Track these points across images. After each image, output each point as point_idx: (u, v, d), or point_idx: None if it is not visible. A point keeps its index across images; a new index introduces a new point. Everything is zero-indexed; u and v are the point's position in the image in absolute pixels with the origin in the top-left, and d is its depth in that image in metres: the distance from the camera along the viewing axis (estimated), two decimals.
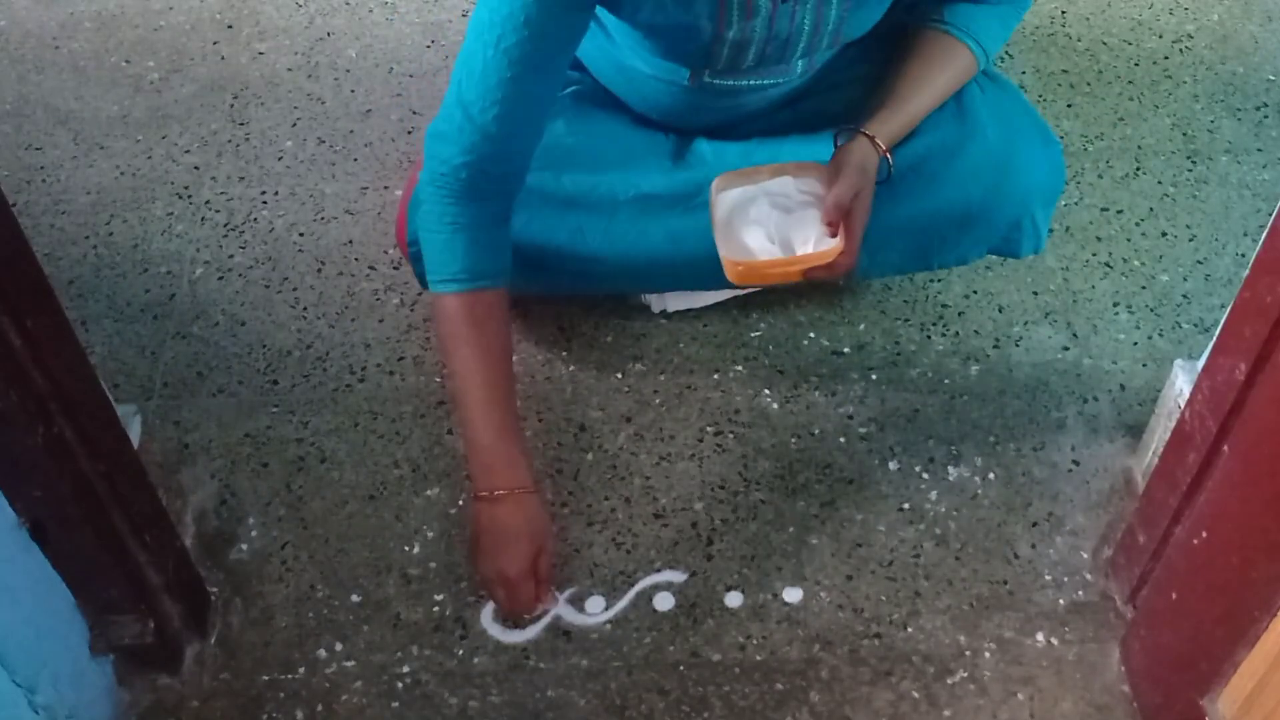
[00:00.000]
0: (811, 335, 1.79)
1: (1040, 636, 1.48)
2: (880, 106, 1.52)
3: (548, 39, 1.39)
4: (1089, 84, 2.19)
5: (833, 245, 1.45)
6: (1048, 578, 1.54)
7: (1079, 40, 2.28)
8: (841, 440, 1.67)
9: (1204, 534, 1.24)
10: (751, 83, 1.55)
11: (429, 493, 1.62)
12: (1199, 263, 1.89)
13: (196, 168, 2.06)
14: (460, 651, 1.48)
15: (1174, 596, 1.31)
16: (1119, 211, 1.97)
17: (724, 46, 1.46)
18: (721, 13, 1.41)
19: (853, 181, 1.46)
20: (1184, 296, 1.84)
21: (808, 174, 1.51)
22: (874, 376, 1.74)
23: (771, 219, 1.48)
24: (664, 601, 1.52)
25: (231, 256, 1.92)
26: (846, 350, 1.78)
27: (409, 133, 2.10)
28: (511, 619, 1.50)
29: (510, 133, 1.43)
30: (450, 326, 1.48)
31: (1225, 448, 1.23)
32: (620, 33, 1.53)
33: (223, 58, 2.27)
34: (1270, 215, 1.90)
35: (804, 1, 1.42)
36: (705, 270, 1.61)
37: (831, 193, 1.45)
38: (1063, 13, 2.33)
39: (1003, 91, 1.63)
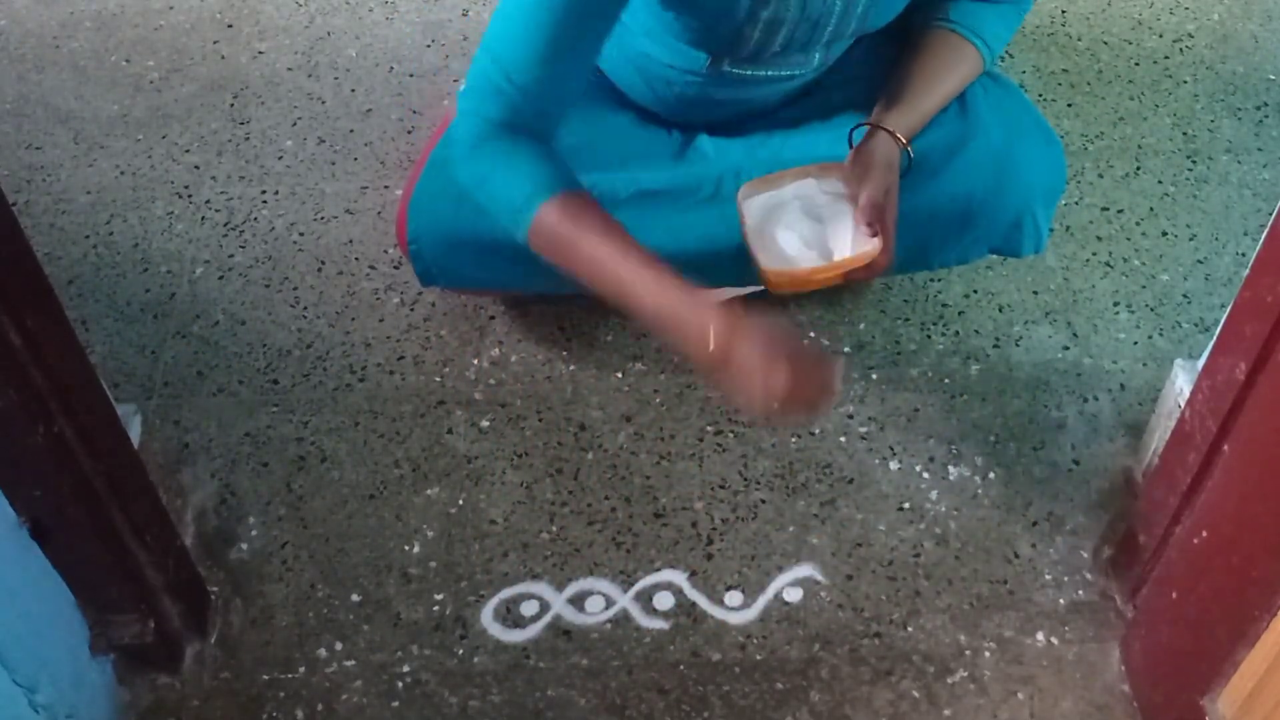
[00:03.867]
0: (811, 334, 1.79)
1: (1040, 636, 1.49)
2: (895, 103, 1.52)
3: (594, 14, 1.36)
4: (1089, 83, 2.19)
5: (873, 246, 1.44)
6: (1048, 577, 1.54)
7: (1079, 39, 2.28)
8: (841, 439, 1.67)
9: (1204, 533, 1.24)
10: (769, 73, 1.54)
11: (429, 492, 1.62)
12: (1199, 262, 1.89)
13: (197, 167, 2.06)
14: (460, 651, 1.48)
15: (1174, 596, 1.31)
16: (1119, 211, 1.97)
17: (756, 27, 1.44)
18: None
19: (883, 179, 1.46)
20: (1184, 296, 1.84)
21: (830, 174, 1.50)
22: (874, 376, 1.74)
23: (804, 224, 1.48)
24: (664, 601, 1.52)
25: (232, 256, 1.92)
26: (846, 349, 1.78)
27: (409, 132, 2.10)
28: (824, 411, 1.38)
29: (551, 94, 1.40)
30: (559, 236, 1.36)
31: (1225, 447, 1.23)
32: (643, 15, 1.51)
33: (223, 57, 2.27)
34: (1270, 215, 1.90)
35: None
36: (707, 266, 1.60)
37: (865, 193, 1.45)
38: (1063, 12, 2.33)
39: (1004, 91, 1.63)
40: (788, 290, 1.51)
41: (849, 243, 1.46)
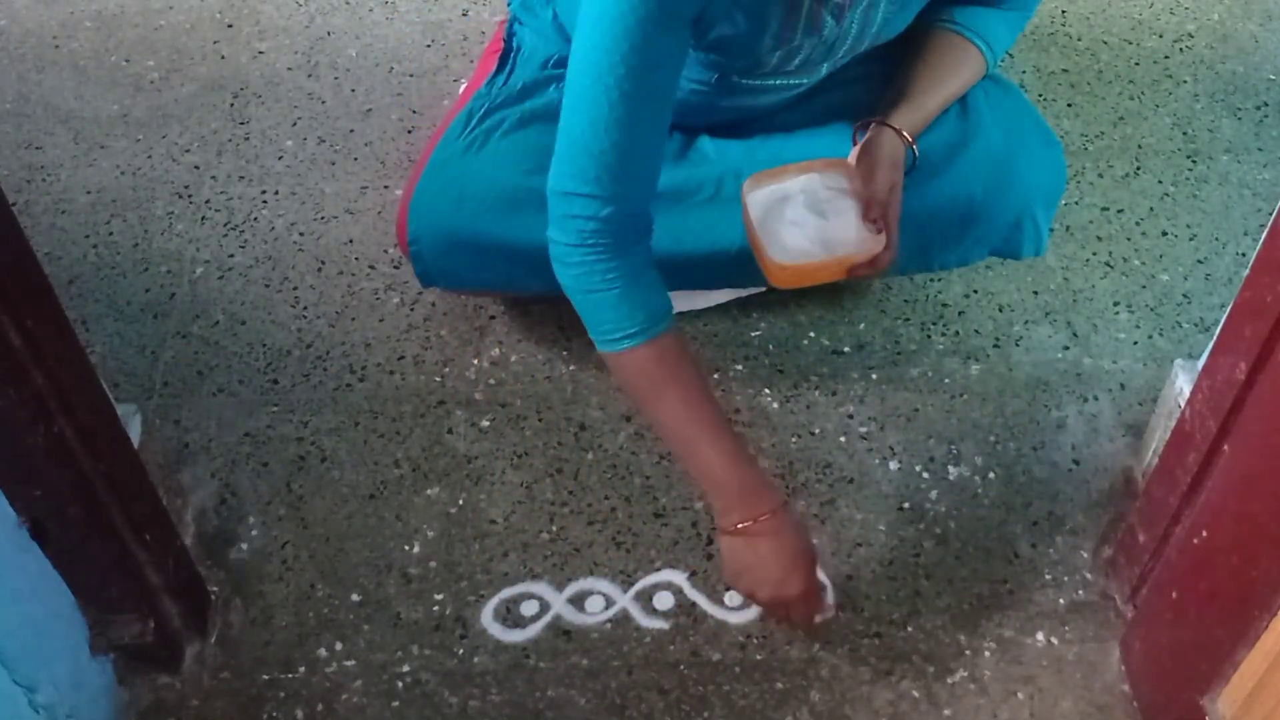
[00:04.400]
0: (811, 334, 1.79)
1: (1040, 636, 1.48)
2: (900, 101, 1.53)
3: (663, 68, 1.34)
4: (1089, 83, 2.19)
5: (878, 242, 1.45)
6: (1048, 577, 1.54)
7: (1079, 39, 2.28)
8: (842, 439, 1.67)
9: (1204, 533, 1.24)
10: (778, 83, 1.55)
11: (429, 492, 1.62)
12: (1199, 262, 1.89)
13: (197, 167, 2.06)
14: (460, 651, 1.48)
15: (1174, 596, 1.31)
16: (1119, 211, 1.97)
17: (775, 56, 1.45)
18: (787, 30, 1.40)
19: (888, 176, 1.47)
20: (1184, 296, 1.84)
21: (834, 170, 1.50)
22: (874, 376, 1.74)
23: (809, 219, 1.48)
24: (664, 601, 1.52)
25: (232, 256, 1.92)
26: (847, 349, 1.78)
27: (409, 132, 2.10)
28: (805, 629, 1.48)
29: (645, 169, 1.38)
30: (646, 378, 1.40)
31: (1225, 447, 1.23)
32: None
33: (223, 57, 2.27)
34: (1270, 215, 1.90)
35: (855, 7, 1.42)
36: (707, 267, 1.61)
37: (870, 189, 1.46)
38: (1063, 12, 2.33)
39: (1005, 92, 1.63)
40: (791, 284, 1.51)
41: (853, 238, 1.46)
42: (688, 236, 1.58)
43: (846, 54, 1.51)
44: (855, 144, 1.53)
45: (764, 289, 1.80)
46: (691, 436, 1.39)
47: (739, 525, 1.38)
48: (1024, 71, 2.21)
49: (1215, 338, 1.25)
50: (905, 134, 1.50)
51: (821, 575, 1.49)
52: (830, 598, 1.49)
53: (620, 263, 1.37)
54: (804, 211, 1.48)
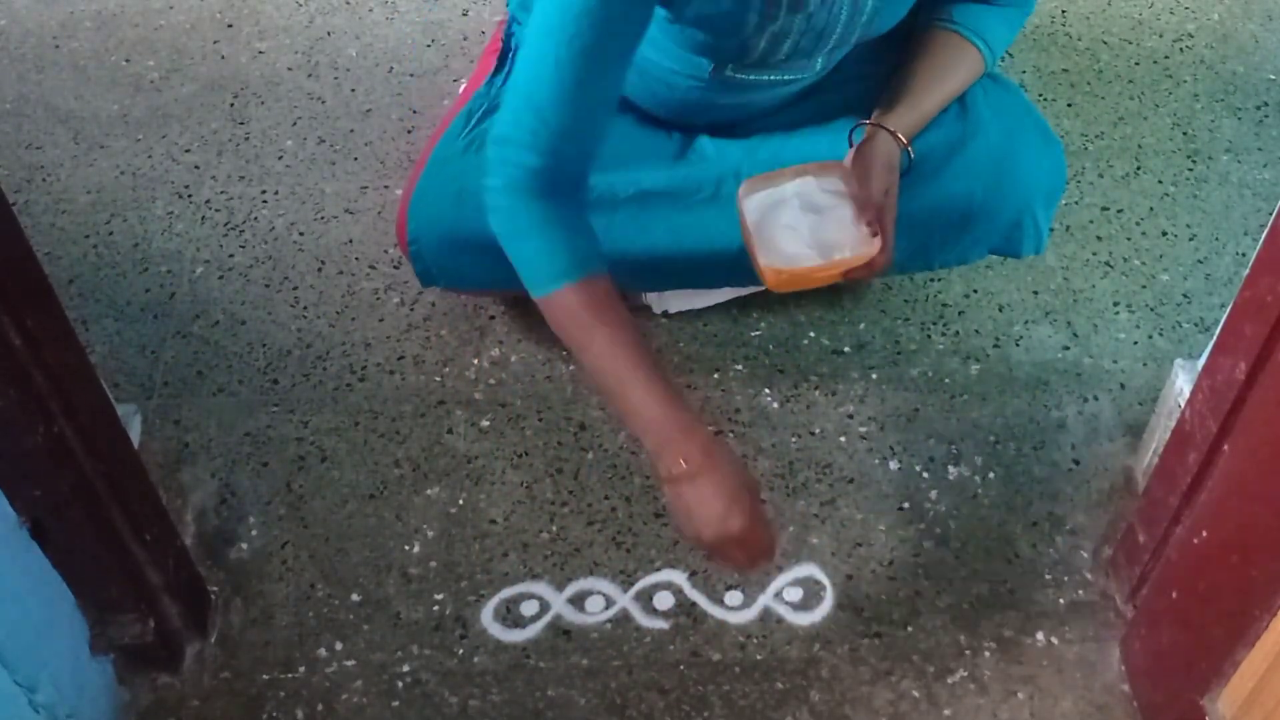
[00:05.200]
0: (811, 334, 1.79)
1: (1040, 636, 1.49)
2: (896, 102, 1.52)
3: (618, 36, 1.35)
4: (1089, 83, 2.19)
5: (873, 245, 1.45)
6: (1048, 577, 1.54)
7: (1079, 39, 2.28)
8: (842, 439, 1.67)
9: (1204, 533, 1.24)
10: (771, 78, 1.54)
11: (429, 492, 1.62)
12: (1199, 262, 1.89)
13: (197, 167, 2.06)
14: (460, 651, 1.48)
15: (1174, 596, 1.31)
16: (1119, 211, 1.97)
17: (762, 38, 1.45)
18: (771, 5, 1.40)
19: (883, 178, 1.46)
20: (1184, 296, 1.84)
21: (830, 173, 1.50)
22: (874, 376, 1.74)
23: (804, 222, 1.48)
24: (664, 601, 1.52)
25: (232, 256, 1.92)
26: (847, 349, 1.78)
27: (409, 132, 2.10)
28: (752, 572, 1.42)
29: (585, 132, 1.39)
30: (574, 319, 1.38)
31: (1225, 447, 1.23)
32: (649, 25, 1.51)
33: (223, 57, 2.27)
34: (1270, 214, 1.90)
35: None
36: (706, 266, 1.61)
37: (865, 192, 1.46)
38: (1063, 12, 2.33)
39: (1005, 91, 1.63)
40: (787, 288, 1.51)
41: (848, 241, 1.46)
42: (688, 236, 1.58)
43: (839, 44, 1.50)
44: (851, 146, 1.53)
45: (764, 288, 1.80)
46: (622, 378, 1.36)
47: (675, 469, 1.32)
48: (1024, 71, 2.21)
49: (1215, 337, 1.25)
50: (900, 136, 1.50)
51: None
52: (777, 536, 1.44)
53: (547, 206, 1.37)
54: (799, 215, 1.48)
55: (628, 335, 1.37)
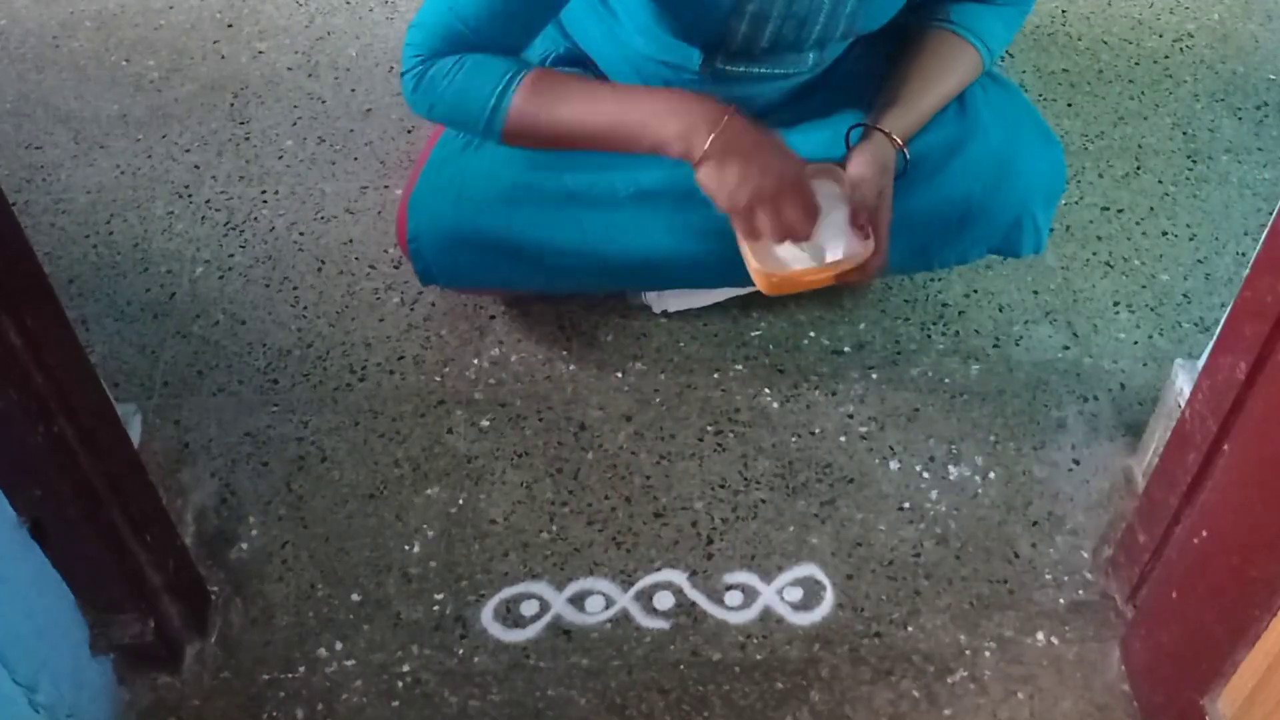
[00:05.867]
0: (811, 334, 1.79)
1: (1040, 636, 1.49)
2: (892, 103, 1.52)
3: None
4: (1089, 83, 2.19)
5: (865, 248, 1.45)
6: (1048, 577, 1.54)
7: (1079, 39, 2.28)
8: (842, 439, 1.67)
9: (1204, 533, 1.24)
10: (763, 71, 1.54)
11: (429, 492, 1.62)
12: (1199, 262, 1.89)
13: (197, 167, 2.06)
14: (460, 651, 1.48)
15: (1174, 596, 1.31)
16: (1119, 211, 1.97)
17: (742, 21, 1.44)
18: None
19: (877, 181, 1.46)
20: (1184, 296, 1.84)
21: (825, 176, 1.50)
22: (874, 375, 1.74)
23: None
24: (664, 601, 1.52)
25: (232, 255, 1.92)
26: (847, 349, 1.78)
27: (409, 132, 2.10)
28: (791, 235, 1.41)
29: (502, 45, 1.42)
30: (542, 105, 1.41)
31: (1225, 447, 1.23)
32: (636, 10, 1.51)
33: (223, 57, 2.27)
34: (1271, 214, 1.90)
35: None
36: (706, 266, 1.61)
37: (859, 194, 1.46)
38: (1063, 11, 2.33)
39: (1004, 91, 1.63)
40: (780, 291, 1.51)
41: (842, 244, 1.46)
42: (687, 236, 1.58)
43: (825, 36, 1.49)
44: (848, 147, 1.52)
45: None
46: (618, 105, 1.41)
47: (709, 140, 1.36)
48: (1024, 71, 2.21)
49: (1215, 337, 1.25)
50: (896, 138, 1.50)
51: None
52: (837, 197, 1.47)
53: (457, 54, 1.41)
54: None
55: (595, 81, 1.44)
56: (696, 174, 1.39)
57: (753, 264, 1.46)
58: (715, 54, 1.51)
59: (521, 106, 1.41)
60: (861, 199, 1.45)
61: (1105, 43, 2.27)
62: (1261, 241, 1.17)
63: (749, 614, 1.51)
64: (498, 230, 1.57)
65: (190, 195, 2.02)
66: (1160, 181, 2.01)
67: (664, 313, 1.80)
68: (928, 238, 1.60)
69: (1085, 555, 1.56)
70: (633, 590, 1.53)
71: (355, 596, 1.53)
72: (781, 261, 1.46)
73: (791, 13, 1.44)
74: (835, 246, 1.46)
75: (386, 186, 2.01)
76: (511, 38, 1.43)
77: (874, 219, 1.45)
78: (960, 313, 1.82)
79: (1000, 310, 1.82)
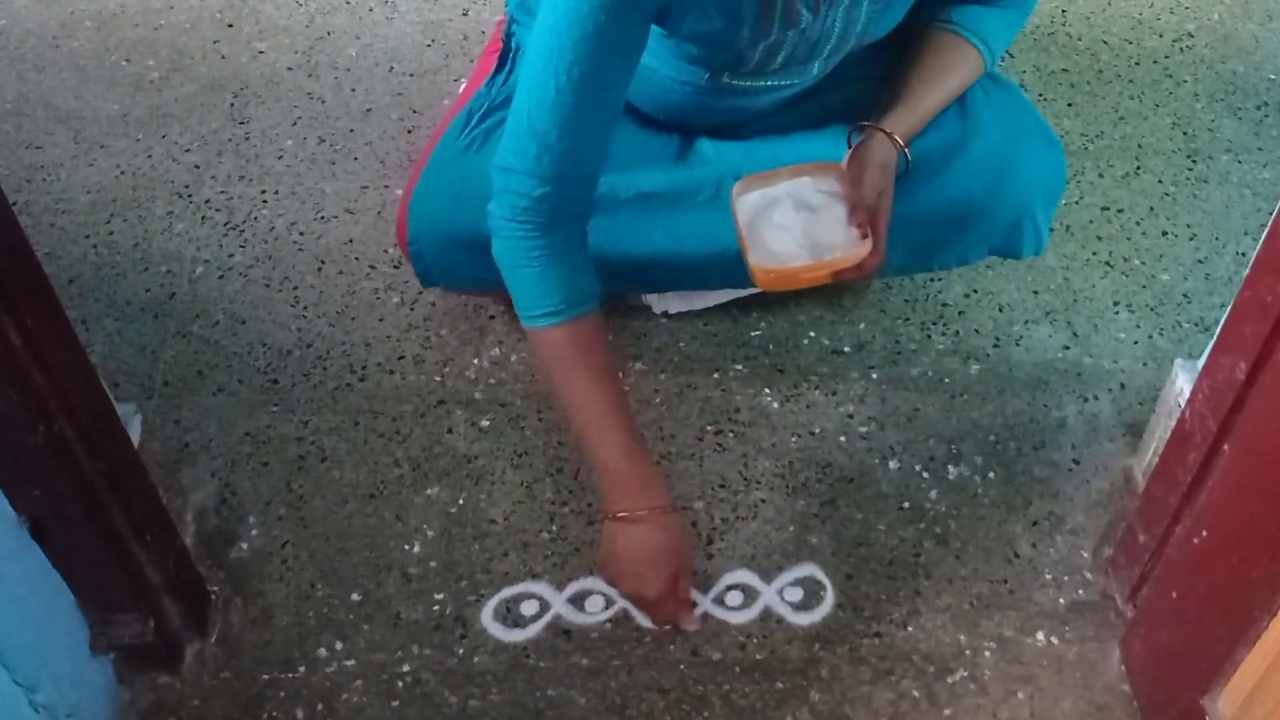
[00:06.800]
0: (811, 334, 1.79)
1: (1040, 635, 1.48)
2: (894, 104, 1.52)
3: (616, 58, 1.36)
4: (1089, 83, 2.19)
5: (863, 247, 1.45)
6: (1048, 577, 1.54)
7: (1079, 39, 2.27)
8: (841, 439, 1.67)
9: (1204, 533, 1.24)
10: (769, 83, 1.54)
11: (429, 492, 1.62)
12: (1199, 262, 1.89)
13: (197, 167, 2.06)
14: (460, 650, 1.48)
15: (1174, 596, 1.31)
16: (1119, 210, 1.97)
17: (757, 50, 1.45)
18: (764, 22, 1.41)
19: (877, 181, 1.46)
20: (1184, 295, 1.84)
21: (826, 174, 1.50)
22: (874, 375, 1.74)
23: (796, 222, 1.48)
24: None
25: (232, 255, 1.92)
26: (847, 349, 1.77)
27: (409, 131, 2.10)
28: (657, 624, 1.50)
29: (587, 157, 1.41)
30: (557, 357, 1.45)
31: (1226, 447, 1.23)
32: None
33: (223, 57, 2.27)
34: (1271, 214, 1.90)
35: (837, 5, 1.42)
36: (706, 268, 1.61)
37: (858, 193, 1.46)
38: (1063, 11, 2.33)
39: (1005, 92, 1.63)
40: (777, 288, 1.51)
41: (839, 243, 1.46)
42: (687, 237, 1.58)
43: (834, 53, 1.50)
44: (850, 147, 1.52)
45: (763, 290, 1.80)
46: (594, 421, 1.44)
47: (617, 514, 1.44)
48: (1024, 71, 2.21)
49: (1215, 337, 1.25)
50: (897, 138, 1.50)
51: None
52: (696, 620, 1.50)
53: (548, 241, 1.41)
54: (791, 215, 1.48)
55: (608, 381, 1.45)
56: (602, 528, 1.48)
57: (750, 259, 1.46)
58: (723, 73, 1.51)
59: (537, 345, 1.48)
60: (860, 198, 1.45)
61: (1105, 42, 2.27)
62: (1261, 241, 1.17)
63: (749, 614, 1.51)
64: None
65: (190, 195, 2.02)
66: (1160, 181, 2.01)
67: (664, 314, 1.80)
68: (928, 239, 1.60)
69: (1085, 555, 1.55)
70: None
71: (355, 596, 1.53)
72: (779, 258, 1.46)
73: (804, 39, 1.45)
74: (833, 244, 1.46)
75: (386, 186, 2.01)
76: (590, 147, 1.41)
77: (873, 218, 1.45)
78: (960, 313, 1.82)
79: (1000, 310, 1.82)
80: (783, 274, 1.46)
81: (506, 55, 1.73)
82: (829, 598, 1.52)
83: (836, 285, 1.78)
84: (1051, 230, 1.76)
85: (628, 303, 1.81)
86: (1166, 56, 2.24)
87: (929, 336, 1.79)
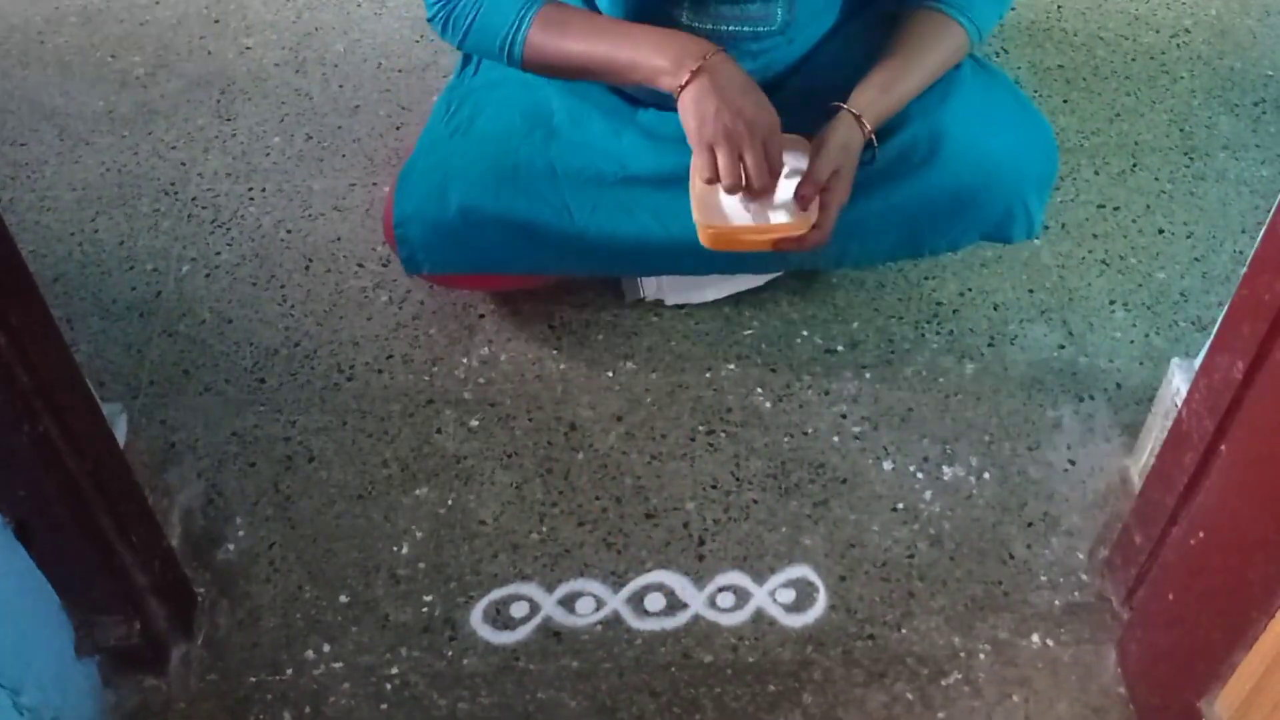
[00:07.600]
0: (804, 333, 1.78)
1: (1036, 638, 1.48)
2: (868, 86, 1.51)
3: None
4: (1085, 79, 2.18)
5: (804, 218, 1.44)
6: (1043, 578, 1.53)
7: (1075, 35, 2.27)
8: (835, 439, 1.66)
9: (1201, 534, 1.24)
10: (730, 29, 1.53)
11: (418, 492, 1.61)
12: (1196, 260, 1.88)
13: (183, 164, 2.05)
14: (449, 653, 1.47)
15: (1170, 597, 1.31)
16: (1116, 208, 1.96)
17: None
18: None
19: (832, 158, 1.45)
20: (1181, 294, 1.83)
21: (791, 147, 1.49)
22: (867, 375, 1.73)
23: None
24: (655, 602, 1.51)
25: (218, 253, 1.91)
26: (840, 348, 1.76)
27: (397, 128, 2.09)
28: (747, 184, 1.44)
29: None
30: (552, 37, 1.50)
31: (1222, 447, 1.22)
32: None
33: (210, 53, 2.26)
34: (1268, 212, 1.89)
35: None
36: (692, 252, 1.59)
37: (812, 168, 1.45)
38: (1059, 7, 2.32)
39: (992, 78, 1.63)
40: (719, 248, 1.50)
41: (785, 212, 1.45)
42: (674, 221, 1.57)
43: None
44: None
45: (760, 284, 1.79)
46: (616, 37, 1.48)
47: (695, 68, 1.43)
48: (1019, 67, 2.20)
49: (1213, 336, 1.24)
50: (865, 121, 1.49)
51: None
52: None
53: None
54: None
55: (599, 16, 1.52)
56: (678, 103, 1.44)
57: (696, 216, 1.46)
58: (681, 5, 1.52)
59: (535, 40, 1.50)
60: (812, 172, 1.44)
61: (1101, 38, 2.26)
62: (1259, 239, 1.16)
63: (741, 615, 1.50)
64: (486, 208, 1.56)
65: (176, 192, 2.00)
66: (1157, 179, 2.01)
67: (657, 309, 1.79)
68: (919, 225, 1.59)
69: (1081, 556, 1.55)
70: (623, 592, 1.52)
71: (343, 598, 1.52)
72: (725, 216, 1.45)
73: None
74: (779, 212, 1.45)
75: (374, 184, 2.00)
76: None
77: (824, 196, 1.45)
78: (954, 311, 1.81)
79: (995, 309, 1.81)
80: (720, 231, 1.45)
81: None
82: (822, 599, 1.51)
83: (830, 282, 1.78)
84: (1046, 224, 1.75)
85: (620, 300, 1.81)
86: (1163, 52, 2.23)
87: (923, 335, 1.78)
